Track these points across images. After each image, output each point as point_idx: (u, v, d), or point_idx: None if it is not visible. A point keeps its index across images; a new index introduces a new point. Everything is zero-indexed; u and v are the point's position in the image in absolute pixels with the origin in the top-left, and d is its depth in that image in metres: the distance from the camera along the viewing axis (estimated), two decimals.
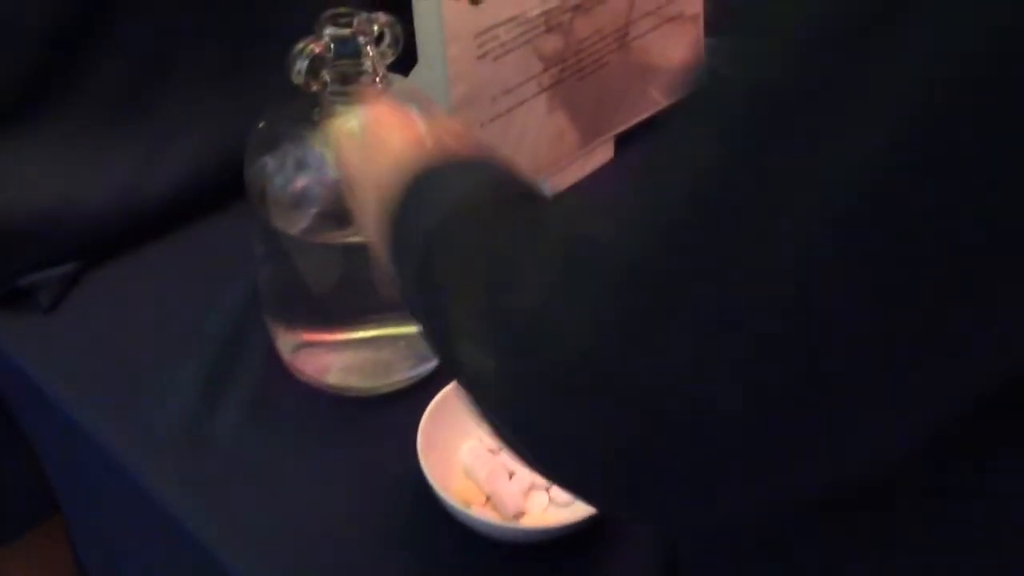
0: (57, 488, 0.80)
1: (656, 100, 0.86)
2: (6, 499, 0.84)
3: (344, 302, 0.63)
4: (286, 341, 0.66)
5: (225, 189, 0.75)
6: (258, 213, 0.60)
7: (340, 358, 0.66)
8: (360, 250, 0.55)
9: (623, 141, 0.86)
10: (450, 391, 0.60)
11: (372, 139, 0.51)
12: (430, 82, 0.67)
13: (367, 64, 0.55)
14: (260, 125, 0.59)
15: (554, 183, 0.81)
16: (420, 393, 0.64)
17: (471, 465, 0.60)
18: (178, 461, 0.63)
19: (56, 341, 0.70)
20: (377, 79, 0.55)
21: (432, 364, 0.66)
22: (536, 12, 0.71)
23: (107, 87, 0.72)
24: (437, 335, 0.41)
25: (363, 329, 0.64)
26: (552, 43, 0.74)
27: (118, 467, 0.64)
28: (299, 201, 0.58)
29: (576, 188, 0.82)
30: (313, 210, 0.58)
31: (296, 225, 0.58)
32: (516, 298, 0.35)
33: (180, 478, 0.62)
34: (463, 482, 0.60)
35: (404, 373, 0.66)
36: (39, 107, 0.69)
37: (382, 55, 0.56)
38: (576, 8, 0.74)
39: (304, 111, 0.57)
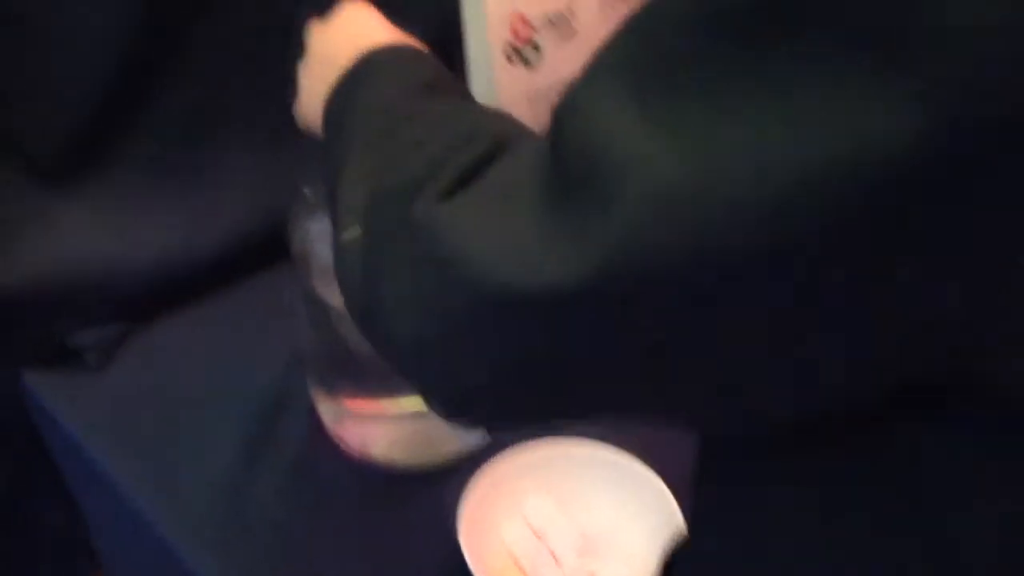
0: (98, 545, 0.79)
1: None
2: (50, 553, 0.84)
3: (390, 373, 0.61)
4: (329, 408, 0.65)
5: (274, 247, 0.74)
6: (302, 279, 0.59)
7: (384, 430, 0.64)
8: None
9: None
10: (494, 469, 0.58)
11: (342, 20, 0.50)
12: None
13: None
14: (304, 190, 0.58)
15: None
16: (466, 469, 0.62)
17: (515, 548, 0.58)
18: (215, 528, 0.61)
19: (101, 401, 0.69)
20: None
21: (479, 440, 0.64)
22: None
23: (159, 147, 0.72)
24: (328, 178, 0.42)
25: (409, 401, 0.62)
26: None
27: (155, 531, 0.62)
28: None
29: None
30: None
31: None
32: (398, 184, 0.35)
33: (216, 545, 0.61)
34: (506, 565, 0.58)
35: (450, 448, 0.63)
36: (90, 167, 0.68)
37: None
38: None
39: None
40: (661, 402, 0.32)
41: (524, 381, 0.32)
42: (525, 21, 0.63)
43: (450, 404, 0.37)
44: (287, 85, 0.68)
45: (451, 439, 0.63)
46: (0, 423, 0.72)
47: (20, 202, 0.67)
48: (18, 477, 0.76)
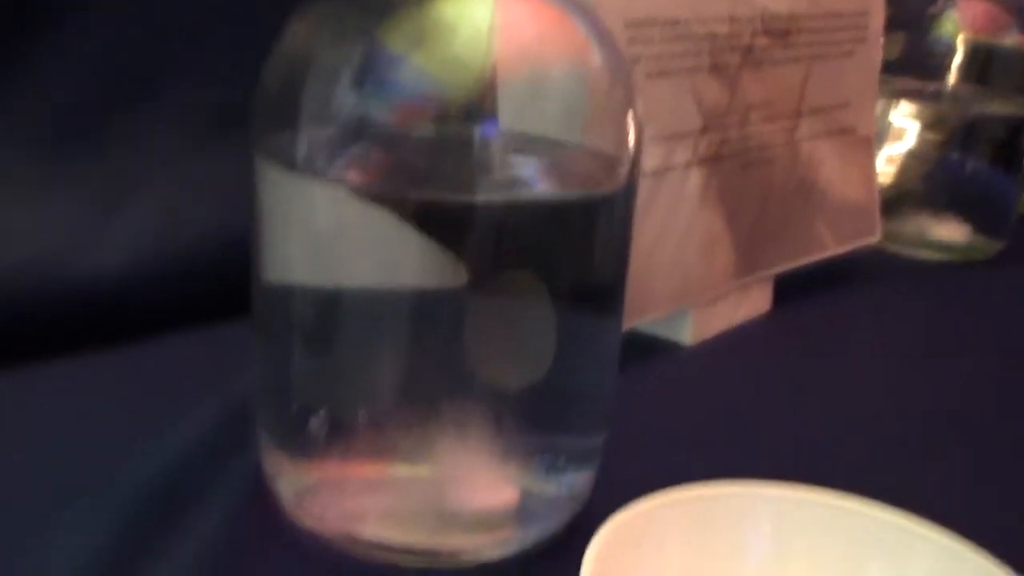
0: None
1: (824, 242, 0.62)
2: None
3: (411, 366, 0.34)
4: (294, 479, 0.36)
5: (205, 272, 0.49)
6: (264, 159, 0.33)
7: (390, 491, 0.35)
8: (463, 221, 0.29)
9: (782, 290, 0.60)
10: (620, 531, 0.30)
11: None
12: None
13: None
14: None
15: (699, 323, 0.55)
16: (534, 567, 0.34)
17: None
18: None
19: None
20: None
21: (553, 524, 0.36)
22: (701, 31, 0.49)
23: (41, 120, 0.48)
24: None
25: (440, 429, 0.34)
26: (715, 90, 0.51)
27: None
28: (356, 133, 0.31)
29: (723, 340, 0.56)
30: (378, 154, 0.32)
31: (348, 174, 0.31)
32: None
33: None
34: None
35: (504, 529, 0.35)
36: None
37: None
38: (747, 54, 0.52)
39: None
40: None
41: None
42: None
43: None
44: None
45: (507, 516, 0.35)
46: None
47: None
48: None
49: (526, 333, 0.35)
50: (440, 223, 0.30)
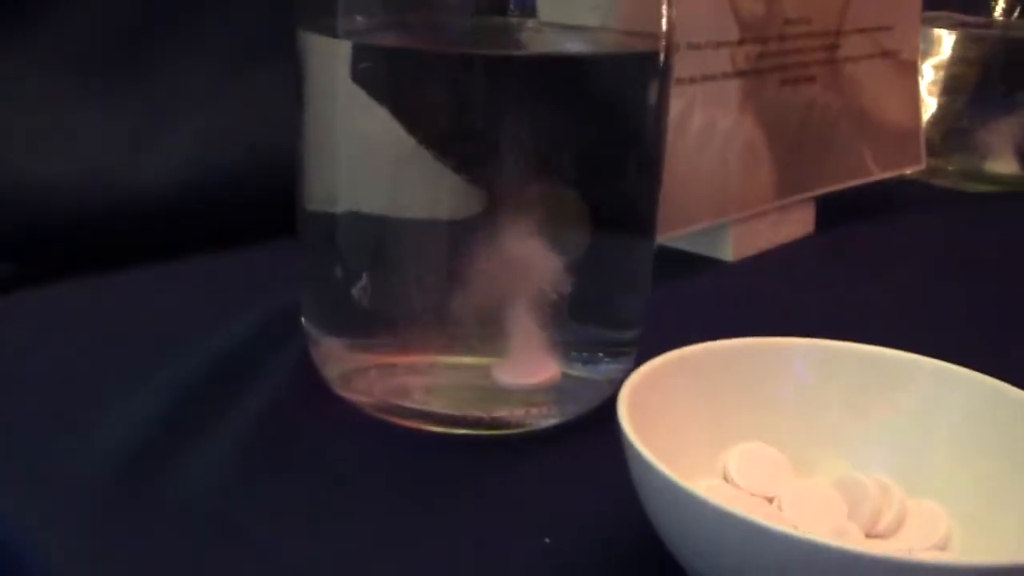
0: None
1: (868, 167, 0.62)
2: None
3: (453, 259, 0.35)
4: (340, 361, 0.37)
5: (243, 193, 0.50)
6: (308, 32, 0.33)
7: (435, 372, 0.36)
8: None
9: (826, 214, 0.60)
10: (657, 373, 0.30)
11: None
12: None
13: None
14: None
15: (740, 241, 0.55)
16: (572, 437, 0.34)
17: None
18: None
19: None
20: None
21: (590, 402, 0.37)
22: None
23: (85, 38, 0.49)
24: None
25: (482, 324, 0.35)
26: (752, 2, 0.51)
27: (12, 544, 0.32)
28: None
29: (765, 259, 0.56)
30: (416, 17, 0.32)
31: (388, 37, 0.32)
32: None
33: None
34: None
35: (545, 404, 0.36)
36: None
37: None
38: None
39: None
40: None
41: None
42: None
43: None
44: None
45: (548, 395, 0.36)
46: None
47: None
48: None
49: (560, 217, 0.35)
50: (478, 80, 0.31)
